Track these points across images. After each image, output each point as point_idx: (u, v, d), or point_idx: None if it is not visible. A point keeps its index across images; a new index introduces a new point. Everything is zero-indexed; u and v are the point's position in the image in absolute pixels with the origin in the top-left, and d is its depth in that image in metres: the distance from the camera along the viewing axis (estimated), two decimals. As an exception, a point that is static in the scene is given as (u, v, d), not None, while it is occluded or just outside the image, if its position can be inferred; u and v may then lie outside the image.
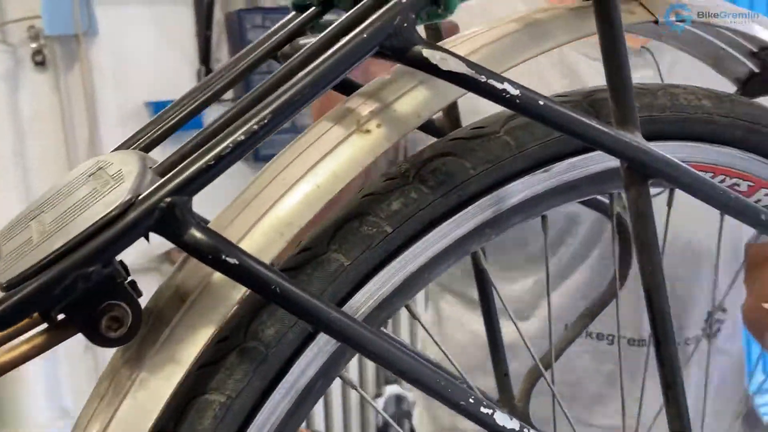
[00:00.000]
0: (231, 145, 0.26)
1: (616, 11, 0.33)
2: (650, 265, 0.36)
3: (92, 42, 2.11)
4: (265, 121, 0.27)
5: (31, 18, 2.01)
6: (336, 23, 0.31)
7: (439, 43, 0.36)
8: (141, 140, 0.35)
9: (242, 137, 0.26)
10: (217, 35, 2.21)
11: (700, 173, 0.35)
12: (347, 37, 0.28)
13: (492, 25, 0.38)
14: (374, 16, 0.28)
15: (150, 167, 0.28)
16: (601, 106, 0.40)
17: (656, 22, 0.40)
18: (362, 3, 0.32)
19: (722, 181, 0.47)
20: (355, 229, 0.35)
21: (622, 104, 0.33)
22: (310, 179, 0.33)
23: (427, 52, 0.29)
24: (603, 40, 0.33)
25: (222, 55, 2.24)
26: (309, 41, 0.36)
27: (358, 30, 0.28)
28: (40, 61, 2.04)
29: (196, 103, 0.36)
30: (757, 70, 0.51)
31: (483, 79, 0.29)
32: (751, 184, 0.49)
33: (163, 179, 0.26)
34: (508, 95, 0.30)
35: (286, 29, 0.37)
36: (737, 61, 0.51)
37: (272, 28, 0.39)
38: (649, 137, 0.42)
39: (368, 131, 0.34)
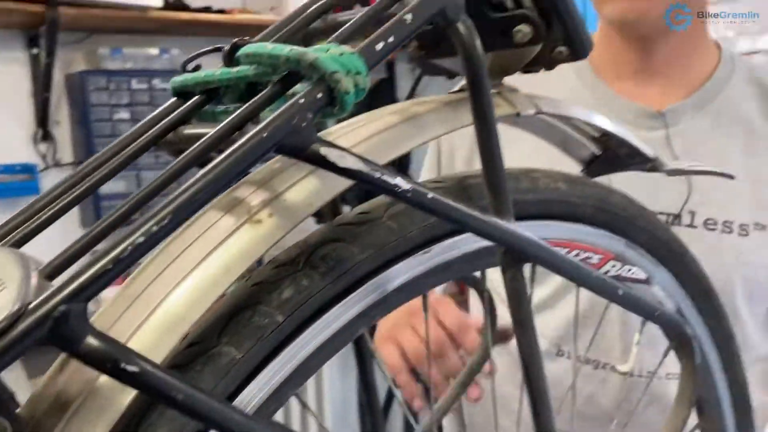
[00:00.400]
0: (129, 247, 0.25)
1: (489, 107, 0.36)
2: (526, 339, 0.39)
3: None
4: (165, 221, 0.26)
5: None
6: (230, 118, 0.31)
7: (328, 132, 0.38)
8: (12, 234, 0.33)
9: (141, 239, 0.26)
10: (57, 97, 2.10)
11: (567, 255, 0.39)
12: (247, 135, 0.28)
13: (373, 117, 0.40)
14: (273, 116, 0.29)
15: (35, 269, 0.27)
16: (474, 191, 0.43)
17: (518, 114, 0.44)
18: (255, 99, 0.32)
19: (577, 254, 0.52)
20: (247, 320, 0.35)
21: (498, 194, 0.36)
22: (202, 272, 0.32)
23: (325, 150, 0.30)
24: (478, 134, 0.36)
25: (62, 117, 2.13)
26: (196, 132, 0.36)
27: (258, 129, 0.28)
28: None
29: (72, 196, 0.34)
30: (598, 153, 0.57)
31: (377, 175, 0.31)
32: (602, 256, 0.54)
33: (56, 285, 0.25)
34: (399, 189, 0.31)
35: (169, 117, 0.37)
36: (582, 145, 0.56)
37: (153, 114, 0.39)
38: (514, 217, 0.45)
39: (259, 221, 0.34)
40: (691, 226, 0.91)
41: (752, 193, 0.91)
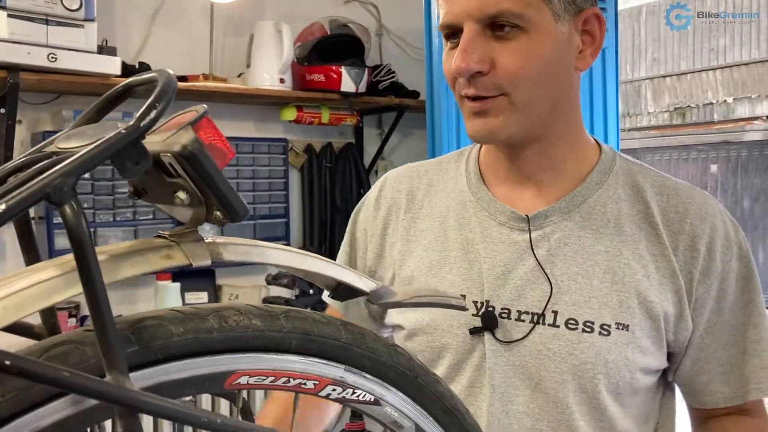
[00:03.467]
0: None
1: (98, 276, 0.41)
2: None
3: None
4: None
5: None
6: None
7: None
8: None
9: None
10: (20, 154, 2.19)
11: (179, 404, 0.43)
12: None
13: (38, 268, 0.45)
14: None
15: None
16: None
17: (191, 264, 0.49)
18: None
19: (287, 381, 0.56)
20: None
21: (108, 352, 0.41)
22: None
23: None
24: (87, 298, 0.41)
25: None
26: None
27: None
28: None
29: None
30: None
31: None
32: (317, 382, 0.58)
33: None
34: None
35: None
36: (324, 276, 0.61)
37: None
38: (199, 354, 0.50)
39: None
40: (553, 325, 0.95)
41: (614, 294, 0.94)
